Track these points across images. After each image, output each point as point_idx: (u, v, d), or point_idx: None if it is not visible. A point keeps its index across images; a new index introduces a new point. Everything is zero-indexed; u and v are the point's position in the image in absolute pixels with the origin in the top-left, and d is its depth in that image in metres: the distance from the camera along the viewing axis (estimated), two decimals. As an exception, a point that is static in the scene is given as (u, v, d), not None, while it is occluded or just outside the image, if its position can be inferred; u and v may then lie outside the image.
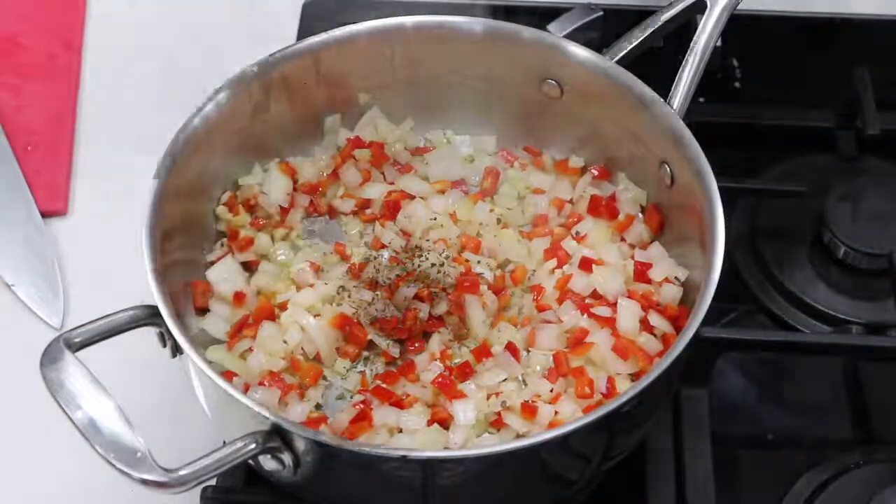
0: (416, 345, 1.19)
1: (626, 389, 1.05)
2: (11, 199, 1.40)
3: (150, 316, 1.07)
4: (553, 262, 1.23)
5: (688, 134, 1.17)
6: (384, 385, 1.15)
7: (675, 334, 1.15)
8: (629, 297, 1.17)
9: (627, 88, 1.22)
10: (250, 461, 1.01)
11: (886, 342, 1.25)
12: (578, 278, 1.19)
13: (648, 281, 1.19)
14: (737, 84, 1.53)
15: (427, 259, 1.22)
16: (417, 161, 1.33)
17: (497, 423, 1.12)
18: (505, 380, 1.15)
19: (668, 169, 1.21)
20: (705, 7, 1.26)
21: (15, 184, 1.42)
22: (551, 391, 1.13)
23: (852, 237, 1.32)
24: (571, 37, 1.34)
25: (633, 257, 1.21)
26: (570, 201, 1.29)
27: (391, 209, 1.29)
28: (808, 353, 1.26)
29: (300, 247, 1.28)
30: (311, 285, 1.22)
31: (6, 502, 1.21)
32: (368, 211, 1.30)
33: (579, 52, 1.25)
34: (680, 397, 1.21)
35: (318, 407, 1.16)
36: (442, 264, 1.21)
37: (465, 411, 1.11)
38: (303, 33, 1.51)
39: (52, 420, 1.02)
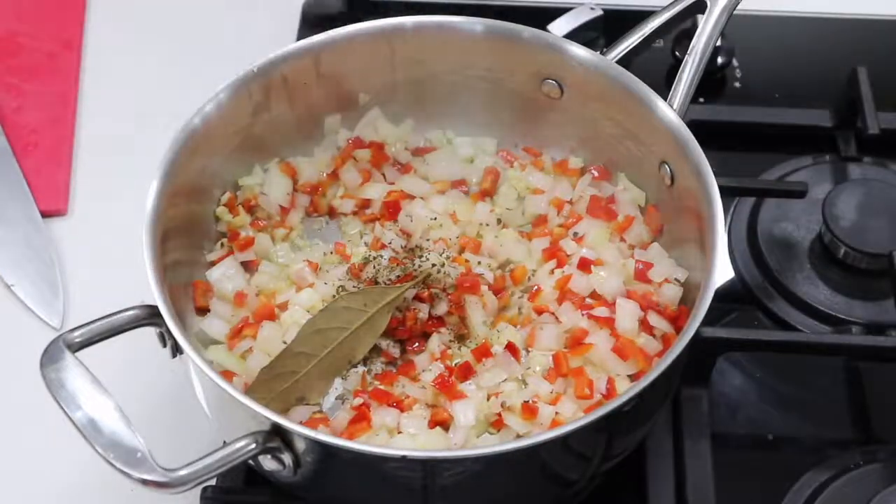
0: (416, 345, 1.19)
1: (626, 389, 1.05)
2: (11, 199, 1.40)
3: (150, 316, 1.07)
4: (553, 263, 1.23)
5: (688, 134, 1.17)
6: (382, 386, 1.15)
7: (675, 334, 1.15)
8: (628, 297, 1.17)
9: (627, 88, 1.22)
10: (250, 461, 1.01)
11: (886, 342, 1.25)
12: (578, 278, 1.19)
13: (648, 281, 1.19)
14: (737, 84, 1.53)
15: (427, 259, 1.22)
16: (417, 161, 1.33)
17: (497, 424, 1.12)
18: (505, 380, 1.15)
19: (668, 169, 1.21)
20: (705, 7, 1.26)
21: (15, 184, 1.42)
22: (551, 392, 1.13)
23: (852, 237, 1.32)
24: (571, 37, 1.34)
25: (632, 257, 1.21)
26: (570, 202, 1.29)
27: (391, 209, 1.29)
28: (808, 353, 1.25)
29: (300, 247, 1.28)
30: (311, 285, 1.22)
31: (6, 502, 1.21)
32: (368, 211, 1.30)
33: (579, 52, 1.25)
34: (680, 397, 1.21)
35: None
36: (442, 264, 1.21)
37: (465, 412, 1.11)
38: (303, 33, 1.51)
39: (52, 420, 1.02)
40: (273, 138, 1.29)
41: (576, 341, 1.15)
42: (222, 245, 1.25)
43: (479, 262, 1.23)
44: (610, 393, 1.12)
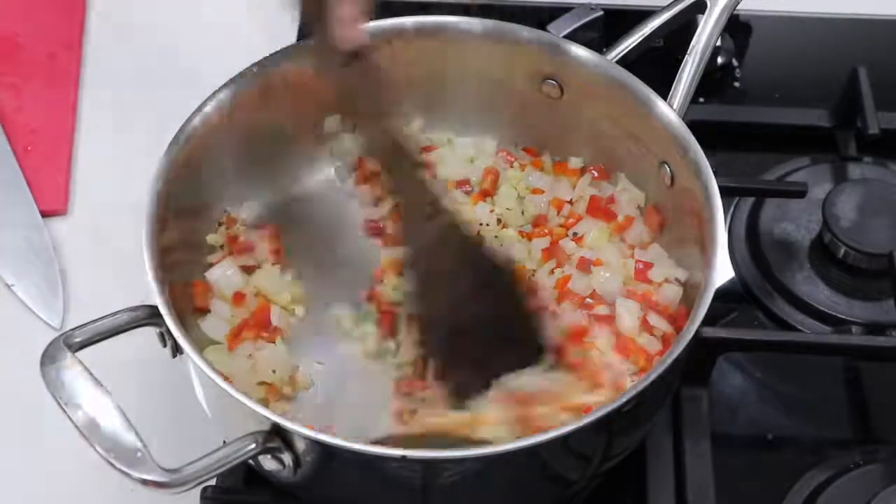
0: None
1: (626, 390, 1.05)
2: (11, 199, 1.40)
3: (150, 316, 1.07)
4: (552, 263, 1.23)
5: (688, 134, 1.17)
6: None
7: (675, 334, 1.15)
8: (628, 297, 1.17)
9: (627, 88, 1.22)
10: (250, 461, 1.01)
11: (886, 342, 1.25)
12: (577, 278, 1.19)
13: (648, 281, 1.19)
14: (737, 84, 1.53)
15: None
16: None
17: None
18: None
19: (668, 169, 1.21)
20: (705, 7, 1.26)
21: (15, 184, 1.41)
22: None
23: (852, 237, 1.32)
24: (571, 37, 1.34)
25: (632, 257, 1.21)
26: (570, 202, 1.29)
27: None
28: (808, 353, 1.25)
29: None
30: None
31: (6, 502, 1.21)
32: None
33: (579, 52, 1.25)
34: (680, 397, 1.21)
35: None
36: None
37: None
38: (303, 33, 1.51)
39: (52, 420, 1.02)
40: (273, 138, 1.29)
41: (577, 336, 1.15)
42: (222, 247, 1.25)
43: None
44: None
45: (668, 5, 1.29)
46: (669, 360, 1.02)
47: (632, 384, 1.11)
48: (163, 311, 1.05)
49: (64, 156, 1.45)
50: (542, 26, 1.32)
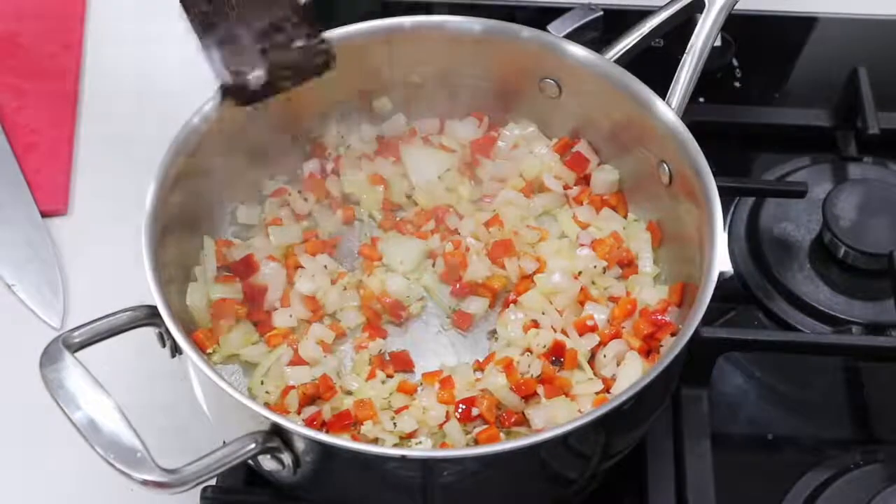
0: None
1: (626, 389, 1.05)
2: (11, 199, 1.40)
3: (150, 316, 1.07)
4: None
5: (687, 133, 1.17)
6: None
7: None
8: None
9: (627, 88, 1.22)
10: (250, 461, 1.01)
11: (886, 342, 1.25)
12: None
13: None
14: (737, 84, 1.53)
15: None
16: None
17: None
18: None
19: (667, 168, 1.21)
20: (703, 6, 1.26)
21: (15, 184, 1.42)
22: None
23: (852, 237, 1.32)
24: (571, 37, 1.34)
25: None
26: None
27: None
28: (808, 353, 1.25)
29: None
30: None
31: (6, 502, 1.21)
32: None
33: (579, 52, 1.25)
34: (680, 397, 1.21)
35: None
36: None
37: None
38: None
39: (52, 420, 1.02)
40: (272, 137, 1.29)
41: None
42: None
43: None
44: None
45: (666, 4, 1.29)
46: (669, 360, 1.02)
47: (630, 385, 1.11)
48: (162, 311, 1.05)
49: (64, 156, 1.45)
50: (542, 26, 1.32)
